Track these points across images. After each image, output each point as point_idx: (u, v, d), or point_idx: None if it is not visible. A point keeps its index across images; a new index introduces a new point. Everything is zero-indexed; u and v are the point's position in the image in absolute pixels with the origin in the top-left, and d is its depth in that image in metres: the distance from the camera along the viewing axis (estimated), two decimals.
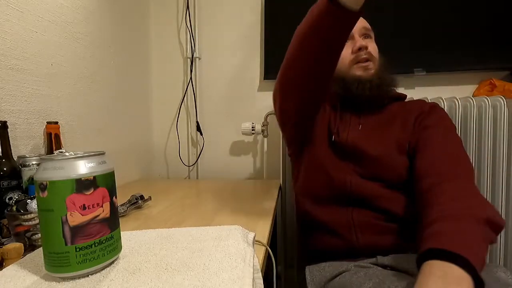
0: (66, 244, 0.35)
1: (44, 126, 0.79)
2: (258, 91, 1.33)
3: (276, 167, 1.26)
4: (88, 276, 0.37)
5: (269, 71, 1.26)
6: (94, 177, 0.37)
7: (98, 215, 0.37)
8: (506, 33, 1.08)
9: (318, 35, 0.55)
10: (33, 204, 0.51)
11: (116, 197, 0.41)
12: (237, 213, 0.71)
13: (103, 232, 0.38)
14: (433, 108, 0.71)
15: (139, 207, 0.75)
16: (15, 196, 0.61)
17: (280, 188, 1.07)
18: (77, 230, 0.36)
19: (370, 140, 0.69)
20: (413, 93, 1.17)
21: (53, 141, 0.75)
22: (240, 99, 1.35)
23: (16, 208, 0.51)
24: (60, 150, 0.38)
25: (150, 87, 1.40)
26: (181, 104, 1.39)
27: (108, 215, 0.39)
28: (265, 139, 1.27)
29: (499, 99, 0.98)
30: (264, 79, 1.28)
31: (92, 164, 0.37)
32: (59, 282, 0.36)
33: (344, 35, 0.55)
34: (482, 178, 1.00)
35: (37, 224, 0.48)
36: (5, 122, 0.63)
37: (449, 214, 0.48)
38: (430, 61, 1.13)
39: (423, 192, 0.57)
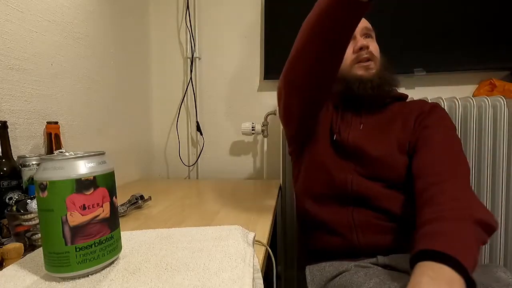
0: (66, 244, 0.35)
1: (44, 126, 0.79)
2: (258, 91, 1.33)
3: (276, 167, 1.26)
4: (88, 276, 0.37)
5: (269, 71, 1.26)
6: (94, 177, 0.37)
7: (98, 215, 0.37)
8: (506, 33, 1.08)
9: (326, 27, 0.54)
10: (33, 204, 0.51)
11: (116, 197, 0.41)
12: (237, 213, 0.71)
13: (103, 232, 0.38)
14: (433, 108, 0.72)
15: (139, 207, 0.75)
16: (15, 196, 0.61)
17: (280, 188, 1.08)
18: (77, 230, 0.36)
19: (371, 140, 0.69)
20: (413, 93, 1.17)
21: (53, 141, 0.75)
22: (240, 99, 1.35)
23: (16, 208, 0.51)
24: (60, 150, 0.38)
25: (150, 87, 1.40)
26: (181, 104, 1.39)
27: (108, 215, 0.39)
28: (265, 139, 1.27)
29: (499, 99, 0.98)
30: (264, 79, 1.28)
31: (92, 164, 0.37)
32: (59, 282, 0.36)
33: (352, 26, 0.54)
34: (482, 178, 0.99)
35: (37, 224, 0.48)
36: (5, 122, 0.63)
37: (442, 215, 0.49)
38: (430, 61, 1.13)
39: (418, 192, 0.58)
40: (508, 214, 0.98)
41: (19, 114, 0.72)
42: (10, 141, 0.64)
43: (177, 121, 1.40)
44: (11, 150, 0.64)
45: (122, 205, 0.69)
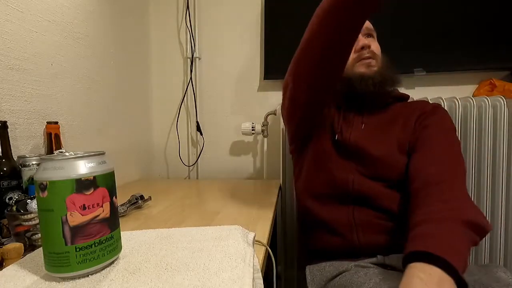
0: (66, 244, 0.35)
1: (44, 126, 0.79)
2: (258, 91, 1.33)
3: (276, 167, 1.26)
4: (88, 276, 0.37)
5: (269, 71, 1.26)
6: (94, 177, 0.37)
7: (98, 215, 0.37)
8: (506, 33, 1.08)
9: (338, 15, 0.54)
10: (33, 204, 0.51)
11: (116, 197, 0.41)
12: (237, 213, 0.71)
13: (103, 232, 0.38)
14: (435, 109, 0.72)
15: (139, 207, 0.75)
16: (15, 196, 0.61)
17: (280, 188, 1.07)
18: (77, 230, 0.36)
19: (372, 140, 0.69)
20: (413, 93, 1.16)
21: (53, 141, 0.75)
22: (240, 99, 1.35)
23: (16, 208, 0.51)
24: (60, 150, 0.38)
25: (150, 87, 1.40)
26: (181, 104, 1.39)
27: (108, 215, 0.39)
28: (265, 139, 1.27)
29: (499, 99, 0.98)
30: (264, 79, 1.28)
31: (92, 164, 0.37)
32: (59, 282, 0.36)
33: (364, 16, 0.54)
34: (482, 178, 0.99)
35: (37, 224, 0.48)
36: (5, 122, 0.63)
37: (433, 217, 0.50)
38: (430, 61, 1.13)
39: (413, 193, 0.58)
40: (508, 214, 0.98)
41: (19, 114, 0.72)
42: (10, 141, 0.64)
43: (177, 121, 1.40)
44: (11, 150, 0.64)
45: (122, 205, 0.69)
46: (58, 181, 0.35)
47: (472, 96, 1.05)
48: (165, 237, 0.50)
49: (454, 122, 0.76)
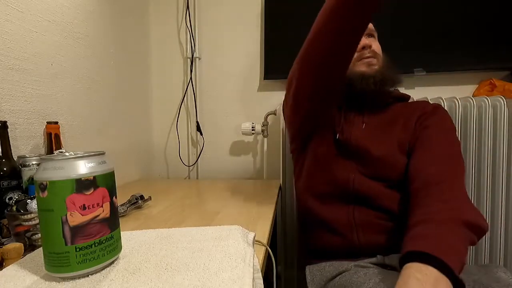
0: (66, 244, 0.35)
1: (44, 126, 0.79)
2: (258, 91, 1.33)
3: (276, 167, 1.26)
4: (88, 276, 0.37)
5: (269, 71, 1.26)
6: (94, 177, 0.37)
7: (98, 215, 0.37)
8: (506, 33, 1.08)
9: (341, 15, 0.54)
10: (33, 204, 0.51)
11: (116, 197, 0.41)
12: (237, 213, 0.71)
13: (103, 232, 0.38)
14: (435, 109, 0.72)
15: (139, 207, 0.75)
16: (15, 196, 0.61)
17: (280, 188, 1.07)
18: (77, 230, 0.36)
19: (373, 140, 0.69)
20: (413, 93, 1.16)
21: (53, 141, 0.75)
22: (240, 99, 1.35)
23: (16, 208, 0.51)
24: (60, 150, 0.38)
25: (150, 87, 1.40)
26: (181, 104, 1.39)
27: (108, 215, 0.39)
28: (265, 139, 1.27)
29: (499, 99, 0.98)
30: (264, 79, 1.28)
31: (92, 164, 0.37)
32: (59, 282, 0.36)
33: (365, 16, 0.55)
34: (482, 178, 0.99)
35: (37, 224, 0.48)
36: (5, 122, 0.63)
37: (430, 217, 0.50)
38: (430, 61, 1.13)
39: (412, 193, 0.59)
40: (508, 214, 0.98)
41: (19, 114, 0.72)
42: (10, 141, 0.64)
43: (177, 121, 1.40)
44: (11, 150, 0.64)
45: (122, 205, 0.69)
46: (58, 181, 0.35)
47: (472, 96, 1.05)
48: (165, 237, 0.50)
49: (454, 122, 0.76)
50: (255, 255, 0.45)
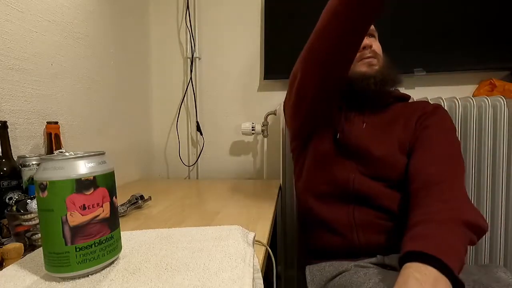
0: (66, 244, 0.35)
1: (44, 126, 0.79)
2: (258, 91, 1.33)
3: (276, 167, 1.26)
4: (88, 276, 0.37)
5: (269, 71, 1.26)
6: (94, 177, 0.37)
7: (98, 215, 0.37)
8: (506, 33, 1.08)
9: (344, 15, 0.54)
10: (33, 204, 0.51)
11: (116, 197, 0.41)
12: (237, 213, 0.71)
13: (103, 232, 0.38)
14: (435, 109, 0.72)
15: (139, 207, 0.75)
16: (15, 196, 0.61)
17: (280, 188, 1.07)
18: (77, 230, 0.36)
19: (373, 140, 0.70)
20: (413, 93, 1.16)
21: (53, 141, 0.75)
22: (240, 99, 1.35)
23: (16, 208, 0.51)
24: (60, 150, 0.38)
25: (150, 87, 1.40)
26: (181, 104, 1.39)
27: (108, 215, 0.39)
28: (265, 139, 1.27)
29: (499, 99, 0.98)
30: (264, 79, 1.28)
31: (92, 164, 0.37)
32: (59, 282, 0.36)
33: (368, 15, 0.55)
34: (482, 178, 0.99)
35: (37, 224, 0.48)
36: (5, 122, 0.63)
37: (430, 217, 0.51)
38: (430, 61, 1.13)
39: (412, 192, 0.59)
40: (508, 214, 0.98)
41: (19, 114, 0.72)
42: (10, 141, 0.64)
43: (177, 121, 1.40)
44: (11, 150, 0.64)
45: (122, 205, 0.69)
46: (58, 181, 0.35)
47: (472, 96, 1.05)
48: (165, 237, 0.50)
49: (454, 122, 0.76)
50: (255, 255, 0.45)
